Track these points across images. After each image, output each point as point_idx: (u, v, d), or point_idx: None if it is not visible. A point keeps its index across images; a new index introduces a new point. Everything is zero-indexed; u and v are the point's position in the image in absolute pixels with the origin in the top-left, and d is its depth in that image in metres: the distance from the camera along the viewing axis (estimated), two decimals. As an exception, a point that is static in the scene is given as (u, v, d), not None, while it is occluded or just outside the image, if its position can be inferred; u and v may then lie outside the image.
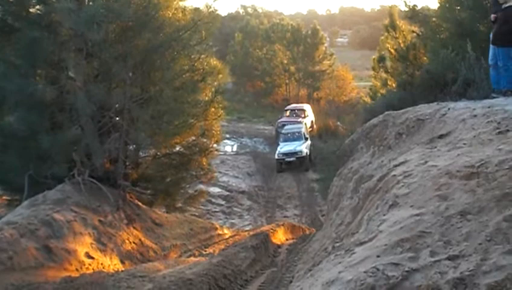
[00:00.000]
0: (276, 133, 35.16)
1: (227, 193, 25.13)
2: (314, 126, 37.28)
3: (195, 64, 14.78)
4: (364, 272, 3.80)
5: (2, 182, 13.42)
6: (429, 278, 3.58)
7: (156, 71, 13.97)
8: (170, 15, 13.93)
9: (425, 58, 16.90)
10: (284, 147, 29.79)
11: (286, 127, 32.44)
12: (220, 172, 24.95)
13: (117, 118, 13.12)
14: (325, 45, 53.34)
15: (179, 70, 14.40)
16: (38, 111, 12.36)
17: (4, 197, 14.40)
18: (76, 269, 9.57)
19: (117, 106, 13.49)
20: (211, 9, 14.50)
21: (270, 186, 27.25)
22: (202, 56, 14.90)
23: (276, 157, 29.78)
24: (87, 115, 12.56)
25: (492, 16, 9.52)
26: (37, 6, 12.93)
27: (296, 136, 30.50)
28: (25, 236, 9.17)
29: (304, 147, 29.72)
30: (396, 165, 6.44)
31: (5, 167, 12.47)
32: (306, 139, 30.61)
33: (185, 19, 14.27)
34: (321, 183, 25.49)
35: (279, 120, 36.10)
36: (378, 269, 3.76)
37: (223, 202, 23.96)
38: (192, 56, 14.76)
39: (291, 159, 29.33)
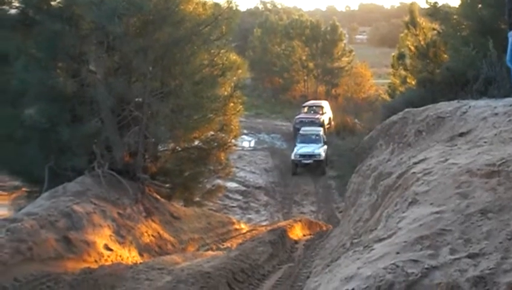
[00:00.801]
0: (294, 129, 35.08)
1: (245, 188, 25.20)
2: (332, 123, 37.18)
3: (215, 59, 14.81)
4: (384, 268, 3.79)
5: (22, 173, 13.55)
6: (449, 276, 3.57)
7: (176, 65, 14.02)
8: (191, 9, 13.96)
9: (445, 56, 16.80)
10: (301, 149, 28.81)
11: (304, 129, 31.61)
12: (237, 167, 24.98)
13: (137, 112, 13.16)
14: (344, 41, 53.07)
15: (198, 65, 14.44)
16: (58, 104, 12.47)
17: (24, 189, 14.53)
18: (95, 261, 9.65)
19: (137, 99, 13.56)
20: (231, 5, 14.51)
21: (287, 182, 27.26)
22: (222, 51, 14.92)
23: (292, 158, 28.77)
24: (107, 108, 12.66)
25: None
26: (58, 0, 13.03)
27: (314, 139, 29.58)
28: (44, 227, 9.25)
29: (322, 151, 28.86)
30: (416, 163, 6.42)
31: (25, 159, 12.57)
32: (324, 143, 29.78)
33: (206, 14, 14.29)
34: (338, 181, 25.44)
35: (297, 116, 36.01)
36: (397, 266, 3.76)
37: (240, 197, 24.04)
38: (212, 51, 14.79)
39: (309, 161, 28.35)
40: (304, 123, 34.79)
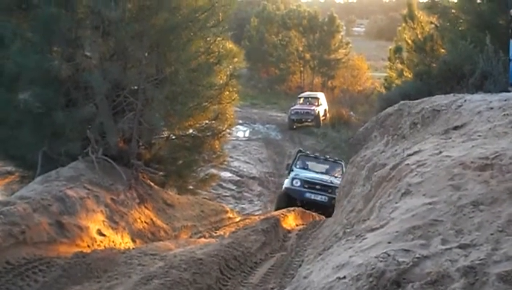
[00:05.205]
0: (289, 120, 35.15)
1: (238, 178, 25.23)
2: (327, 115, 37.22)
3: (211, 46, 14.74)
4: (375, 257, 3.82)
5: (15, 158, 13.48)
6: (440, 265, 3.60)
7: (172, 52, 13.94)
8: (188, -5, 13.90)
9: (442, 50, 16.83)
10: (306, 173, 18.94)
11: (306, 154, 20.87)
12: (231, 157, 24.97)
13: (132, 98, 13.11)
14: (341, 33, 52.98)
15: (194, 52, 14.36)
16: (53, 88, 12.39)
17: (17, 174, 14.49)
18: (88, 246, 9.63)
19: (132, 86, 13.50)
20: (228, -9, 14.44)
21: (281, 173, 27.23)
22: (218, 39, 14.85)
23: (286, 185, 18.73)
24: (102, 94, 12.59)
25: None
26: (55, -17, 12.93)
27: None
28: (37, 211, 9.21)
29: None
30: (410, 155, 6.44)
31: (18, 143, 12.50)
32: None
33: (202, 0, 14.23)
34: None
35: (293, 107, 36.03)
36: (389, 255, 3.79)
37: (233, 187, 24.08)
38: (208, 38, 14.71)
39: (320, 197, 17.89)
40: (299, 114, 34.85)
